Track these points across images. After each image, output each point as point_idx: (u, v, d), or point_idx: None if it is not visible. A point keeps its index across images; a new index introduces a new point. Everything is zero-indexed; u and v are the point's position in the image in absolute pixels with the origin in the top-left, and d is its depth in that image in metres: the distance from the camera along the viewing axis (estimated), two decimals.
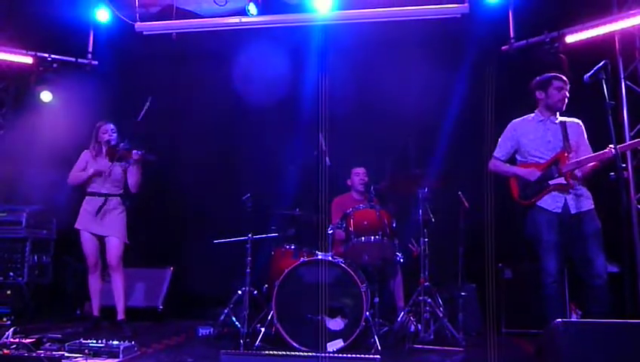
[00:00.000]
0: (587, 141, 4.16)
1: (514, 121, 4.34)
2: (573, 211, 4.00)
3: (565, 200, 4.03)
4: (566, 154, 4.04)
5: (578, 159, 3.99)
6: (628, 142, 4.34)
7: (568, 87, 4.12)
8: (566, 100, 4.11)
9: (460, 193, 4.99)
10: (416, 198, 4.86)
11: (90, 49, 5.99)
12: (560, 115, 4.17)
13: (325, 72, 5.84)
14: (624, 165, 5.02)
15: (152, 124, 5.18)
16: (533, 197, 4.13)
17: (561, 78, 4.14)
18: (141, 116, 4.85)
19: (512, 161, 4.33)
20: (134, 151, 4.88)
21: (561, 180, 4.02)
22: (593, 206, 4.03)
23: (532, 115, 4.26)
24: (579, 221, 3.98)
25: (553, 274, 4.00)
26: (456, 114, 5.80)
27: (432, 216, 4.87)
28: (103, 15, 5.73)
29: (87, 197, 5.06)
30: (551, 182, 4.06)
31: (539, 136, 4.17)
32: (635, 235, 5.23)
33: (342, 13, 5.39)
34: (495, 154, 4.37)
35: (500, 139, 4.38)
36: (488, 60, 5.51)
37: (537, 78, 4.24)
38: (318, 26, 5.56)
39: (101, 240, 5.01)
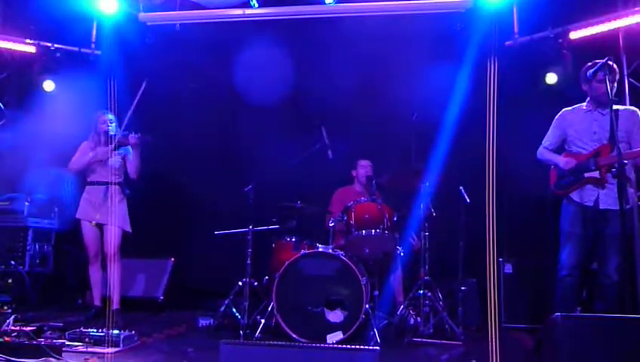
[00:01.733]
0: None
1: (564, 109, 4.25)
2: (602, 206, 3.91)
3: (598, 194, 3.93)
4: (608, 148, 3.90)
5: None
6: None
7: (616, 76, 3.89)
8: (612, 91, 3.75)
9: (460, 188, 4.99)
10: (418, 192, 4.88)
11: (94, 39, 5.98)
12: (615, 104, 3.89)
13: (328, 65, 5.85)
14: (625, 162, 5.01)
15: (154, 114, 5.20)
16: (567, 189, 4.06)
17: (606, 68, 3.74)
18: (137, 99, 4.87)
19: (561, 150, 4.24)
20: (131, 136, 4.88)
21: (596, 174, 3.92)
22: (631, 205, 3.90)
23: (584, 103, 4.14)
24: (606, 218, 3.90)
25: (567, 268, 3.97)
26: (459, 109, 5.79)
27: (433, 210, 4.88)
28: (110, 7, 5.70)
29: (87, 187, 5.06)
30: (586, 175, 3.97)
31: (584, 127, 4.07)
32: (636, 231, 5.22)
33: (345, 6, 5.39)
34: (543, 142, 4.31)
35: (550, 129, 4.29)
36: (492, 55, 5.49)
37: (584, 68, 4.05)
38: (322, 19, 5.55)
39: (101, 229, 5.01)
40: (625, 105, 5.31)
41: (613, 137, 3.81)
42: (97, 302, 5.10)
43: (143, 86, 4.86)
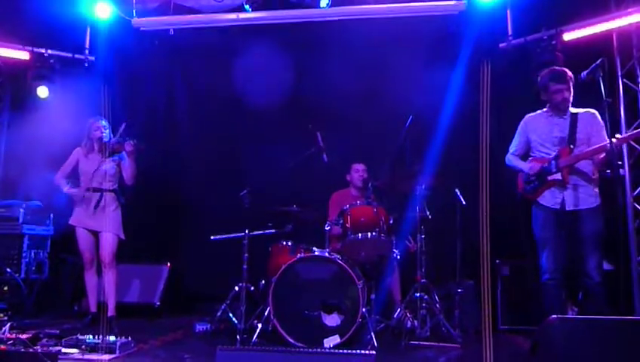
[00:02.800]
0: (603, 131, 4.01)
1: (527, 115, 4.30)
2: (568, 208, 3.97)
3: (563, 196, 4.00)
4: (568, 150, 3.98)
5: (576, 154, 3.94)
6: (626, 134, 4.29)
7: (571, 83, 4.02)
8: (569, 99, 4.03)
9: (456, 190, 4.99)
10: (414, 195, 4.87)
11: (87, 45, 5.96)
12: (573, 107, 4.09)
13: (323, 69, 5.85)
14: (620, 162, 5.03)
15: (149, 119, 5.19)
16: (535, 193, 4.11)
17: (558, 78, 4.04)
18: (116, 138, 4.89)
19: (527, 156, 4.29)
20: (126, 143, 4.86)
21: (558, 176, 3.99)
22: (597, 203, 3.96)
23: (545, 108, 4.20)
24: (575, 218, 3.95)
25: (548, 272, 4.00)
26: (453, 111, 5.80)
27: (428, 212, 4.88)
28: (104, 12, 5.69)
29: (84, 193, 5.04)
30: (549, 178, 4.04)
31: (546, 131, 4.14)
32: (631, 233, 5.24)
33: (340, 9, 5.39)
34: (510, 149, 4.35)
35: (515, 135, 4.35)
36: (486, 58, 5.50)
37: (539, 78, 4.19)
38: (316, 23, 5.55)
39: (96, 236, 4.99)
40: (620, 105, 5.35)
41: (573, 139, 3.98)
42: (93, 309, 5.10)
43: (122, 127, 4.89)
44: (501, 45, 5.26)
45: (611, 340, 2.73)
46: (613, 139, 3.68)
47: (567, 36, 5.09)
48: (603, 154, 3.89)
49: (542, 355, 2.92)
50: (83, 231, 4.99)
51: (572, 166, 3.96)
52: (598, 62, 3.63)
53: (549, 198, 4.06)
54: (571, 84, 4.03)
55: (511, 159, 4.33)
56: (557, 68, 4.15)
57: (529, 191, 4.16)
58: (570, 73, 4.05)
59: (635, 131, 4.58)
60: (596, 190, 4.01)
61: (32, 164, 5.79)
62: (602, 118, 3.94)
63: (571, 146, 3.98)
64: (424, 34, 5.59)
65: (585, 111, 4.10)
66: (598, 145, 3.88)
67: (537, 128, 4.19)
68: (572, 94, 4.05)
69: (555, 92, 4.03)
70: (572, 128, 4.02)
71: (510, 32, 5.27)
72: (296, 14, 5.46)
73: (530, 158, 4.25)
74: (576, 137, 3.97)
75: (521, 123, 4.32)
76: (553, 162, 4.03)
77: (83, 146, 5.10)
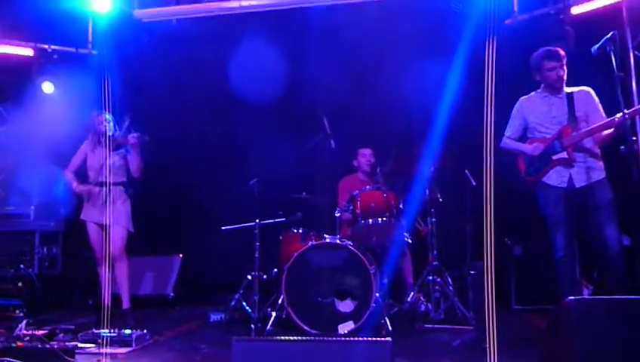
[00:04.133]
0: (600, 108, 4.05)
1: (521, 98, 4.30)
2: (577, 185, 3.96)
3: (570, 174, 3.99)
4: (570, 128, 3.98)
5: (579, 132, 3.93)
6: (636, 107, 4.22)
7: (564, 60, 4.03)
8: (563, 77, 4.04)
9: (466, 171, 4.96)
10: (423, 178, 4.86)
11: (90, 38, 5.95)
12: (568, 86, 4.10)
13: (327, 57, 5.81)
14: (635, 138, 4.96)
15: (156, 111, 5.18)
16: (539, 174, 4.10)
17: (552, 56, 4.04)
18: (122, 133, 4.89)
19: (524, 138, 4.28)
20: (130, 136, 4.87)
21: (564, 154, 3.98)
22: (604, 176, 3.97)
23: (539, 90, 4.21)
24: (586, 193, 3.95)
25: (562, 249, 3.99)
26: (460, 90, 5.75)
27: (439, 195, 4.86)
28: (105, 4, 5.66)
29: (91, 187, 5.04)
30: (554, 157, 4.03)
31: (543, 112, 4.13)
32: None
33: None
34: (505, 133, 4.33)
35: (510, 119, 4.34)
36: (492, 35, 5.42)
37: (531, 58, 4.16)
38: (319, 9, 5.49)
39: (106, 229, 4.99)
40: (631, 79, 5.26)
41: (573, 117, 3.99)
42: (108, 302, 5.13)
43: (127, 122, 4.89)
44: (506, 22, 5.17)
45: (628, 319, 2.69)
46: (619, 115, 3.63)
47: (576, 10, 4.98)
48: (607, 131, 3.88)
49: (559, 335, 2.92)
50: (93, 225, 4.99)
51: (576, 143, 3.96)
52: (608, 35, 3.56)
53: (555, 178, 4.04)
54: (564, 62, 4.03)
55: (508, 143, 4.31)
56: (549, 47, 4.12)
57: (534, 171, 4.14)
58: (563, 52, 4.06)
59: None
60: (601, 163, 4.01)
61: (39, 159, 5.80)
62: (615, 93, 3.87)
63: (573, 124, 3.98)
64: (429, 13, 5.52)
65: (580, 90, 4.10)
66: (606, 120, 3.85)
67: (534, 109, 4.18)
68: (566, 72, 4.05)
69: (550, 70, 4.04)
70: (570, 107, 4.02)
71: (516, 8, 5.18)
72: (298, 1, 5.40)
73: (530, 139, 4.23)
74: (576, 115, 3.99)
75: (516, 106, 4.30)
76: (557, 141, 4.02)
77: (90, 140, 5.11)
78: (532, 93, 4.25)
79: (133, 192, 5.06)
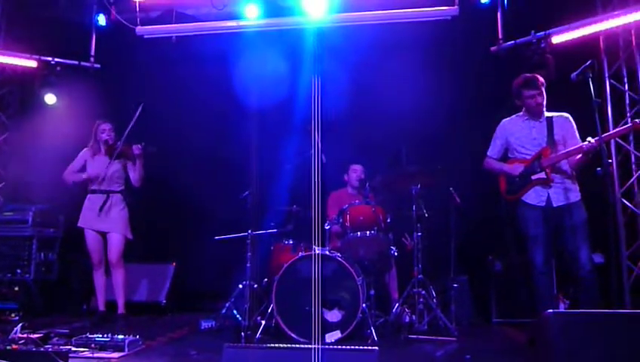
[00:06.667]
0: (577, 133, 4.23)
1: (504, 120, 4.47)
2: (555, 204, 4.13)
3: (548, 194, 4.17)
4: (549, 150, 4.16)
5: (557, 154, 4.12)
6: (607, 133, 4.39)
7: (543, 87, 4.20)
8: (542, 103, 4.21)
9: (451, 189, 5.12)
10: (410, 194, 5.00)
11: (93, 52, 6.08)
12: (548, 111, 4.27)
13: (321, 74, 5.95)
14: (610, 160, 5.18)
15: (154, 122, 5.28)
16: (518, 193, 4.27)
17: (529, 84, 4.20)
18: (133, 122, 4.95)
19: (505, 159, 4.46)
20: (134, 146, 4.96)
21: (542, 175, 4.16)
22: (579, 198, 4.14)
23: (520, 113, 4.38)
24: (562, 213, 4.11)
25: (540, 267, 4.14)
26: (447, 113, 5.94)
27: (425, 211, 4.99)
28: (100, 19, 5.83)
29: (88, 195, 5.16)
30: (533, 177, 4.20)
31: (524, 134, 4.31)
32: (620, 227, 5.41)
33: (336, 16, 5.50)
34: (488, 152, 4.51)
35: (492, 140, 4.51)
36: (478, 61, 5.64)
37: (513, 84, 4.33)
38: (313, 29, 5.66)
39: (104, 236, 5.10)
40: (607, 105, 5.51)
41: (552, 140, 4.16)
42: (102, 307, 5.20)
43: (139, 109, 4.94)
44: (492, 49, 5.38)
45: (606, 333, 2.81)
46: (587, 141, 3.89)
47: (556, 39, 5.20)
48: (579, 156, 4.07)
49: (538, 348, 3.03)
50: (91, 232, 5.09)
51: (554, 165, 4.15)
52: (587, 63, 3.77)
53: (534, 197, 4.21)
54: (543, 88, 4.20)
55: (491, 162, 4.49)
56: (528, 75, 4.26)
57: (514, 191, 4.30)
58: (541, 79, 4.22)
59: (614, 131, 4.76)
60: (576, 186, 4.19)
61: (41, 168, 5.91)
62: (592, 118, 3.96)
63: (551, 147, 4.17)
64: (419, 39, 5.68)
65: (559, 115, 4.29)
66: (577, 146, 4.04)
67: (515, 131, 4.36)
68: (545, 98, 4.21)
69: (528, 97, 4.22)
70: (549, 131, 4.21)
71: (501, 36, 5.39)
72: (294, 21, 5.57)
73: (510, 159, 4.40)
74: (555, 139, 4.18)
75: (499, 127, 4.48)
76: (536, 162, 4.20)
77: (90, 147, 5.21)
78: (514, 116, 4.42)
79: (131, 200, 5.17)
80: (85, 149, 5.24)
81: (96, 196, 5.12)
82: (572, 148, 4.09)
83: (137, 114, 4.94)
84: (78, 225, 5.14)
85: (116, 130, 5.21)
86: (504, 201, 4.45)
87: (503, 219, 5.22)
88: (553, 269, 4.36)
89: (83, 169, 5.20)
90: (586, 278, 3.99)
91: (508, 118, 4.45)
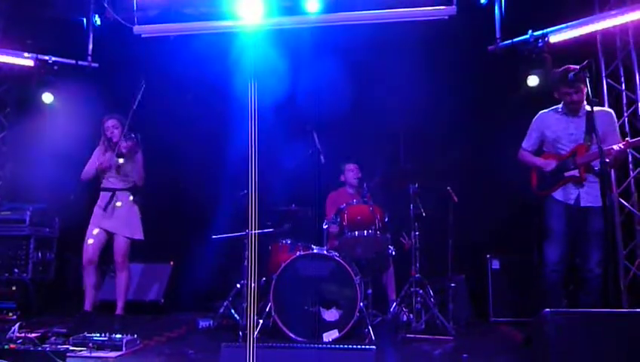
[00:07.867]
0: (617, 130, 4.13)
1: (541, 112, 4.36)
2: (583, 204, 4.04)
3: (579, 193, 4.07)
4: (584, 148, 4.04)
5: (593, 151, 3.95)
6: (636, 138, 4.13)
7: (581, 86, 3.99)
8: (578, 101, 4.06)
9: (448, 188, 5.14)
10: (408, 194, 5.01)
11: (90, 51, 6.05)
12: (589, 106, 3.99)
13: (319, 73, 5.98)
14: (607, 160, 5.18)
15: (152, 121, 5.28)
16: (550, 189, 4.18)
17: (566, 81, 3.99)
18: (137, 102, 4.87)
19: (540, 151, 4.36)
20: (123, 145, 4.89)
21: (575, 173, 4.05)
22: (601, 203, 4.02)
23: (559, 106, 4.25)
24: (586, 215, 4.01)
25: (552, 264, 4.09)
26: (445, 112, 5.94)
27: (422, 210, 5.01)
28: (96, 19, 5.82)
29: (100, 193, 5.08)
30: (566, 174, 4.10)
31: (561, 128, 4.19)
32: (617, 227, 5.43)
33: (333, 15, 5.49)
34: (523, 144, 4.41)
35: (528, 131, 4.40)
36: (476, 60, 5.65)
37: (553, 75, 4.25)
38: (311, 28, 5.67)
39: (110, 236, 5.03)
40: (604, 104, 5.51)
41: (590, 137, 4.01)
42: (87, 307, 4.99)
43: (142, 88, 4.89)
44: (490, 48, 5.40)
45: (604, 333, 2.83)
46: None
47: (554, 38, 5.20)
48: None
49: (536, 347, 3.04)
50: (95, 229, 4.97)
51: (589, 164, 4.03)
52: (584, 63, 3.74)
53: (564, 194, 4.11)
54: (582, 86, 4.00)
55: (525, 155, 4.39)
56: (570, 67, 4.00)
57: (545, 186, 4.21)
58: (583, 74, 3.88)
59: None
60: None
61: (38, 167, 5.91)
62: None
63: (588, 144, 4.04)
64: (416, 38, 5.68)
65: (601, 110, 4.16)
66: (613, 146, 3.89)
67: (552, 125, 4.24)
68: (584, 94, 4.04)
69: (564, 94, 4.11)
70: (588, 126, 4.02)
71: (498, 35, 5.40)
72: (292, 21, 5.57)
73: (544, 154, 4.31)
74: (593, 135, 3.94)
75: (535, 119, 4.37)
76: (570, 159, 4.09)
77: (101, 145, 5.16)
78: (552, 108, 4.28)
79: (139, 198, 5.11)
80: (97, 148, 5.18)
81: (104, 194, 5.05)
82: (606, 148, 3.86)
83: (141, 92, 4.88)
84: (91, 221, 5.04)
85: (123, 123, 5.09)
86: (534, 196, 4.34)
87: (502, 218, 5.23)
88: (564, 270, 4.17)
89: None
90: (592, 282, 3.97)
91: (546, 111, 4.33)
